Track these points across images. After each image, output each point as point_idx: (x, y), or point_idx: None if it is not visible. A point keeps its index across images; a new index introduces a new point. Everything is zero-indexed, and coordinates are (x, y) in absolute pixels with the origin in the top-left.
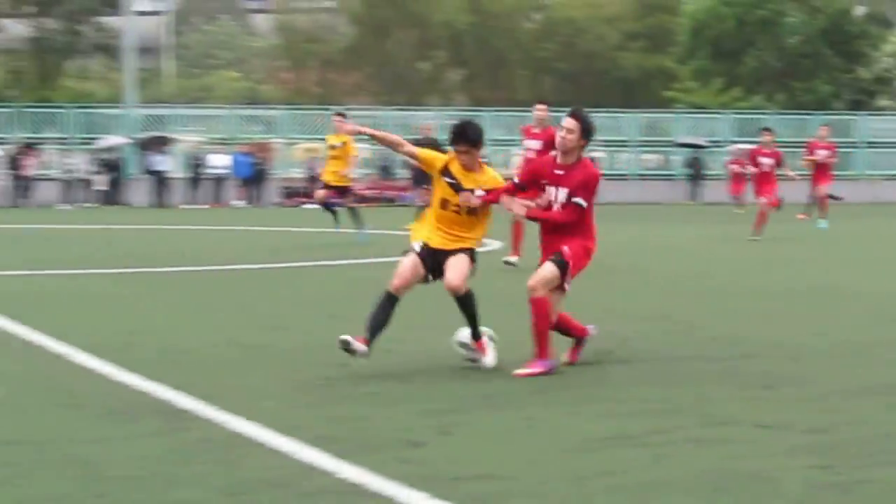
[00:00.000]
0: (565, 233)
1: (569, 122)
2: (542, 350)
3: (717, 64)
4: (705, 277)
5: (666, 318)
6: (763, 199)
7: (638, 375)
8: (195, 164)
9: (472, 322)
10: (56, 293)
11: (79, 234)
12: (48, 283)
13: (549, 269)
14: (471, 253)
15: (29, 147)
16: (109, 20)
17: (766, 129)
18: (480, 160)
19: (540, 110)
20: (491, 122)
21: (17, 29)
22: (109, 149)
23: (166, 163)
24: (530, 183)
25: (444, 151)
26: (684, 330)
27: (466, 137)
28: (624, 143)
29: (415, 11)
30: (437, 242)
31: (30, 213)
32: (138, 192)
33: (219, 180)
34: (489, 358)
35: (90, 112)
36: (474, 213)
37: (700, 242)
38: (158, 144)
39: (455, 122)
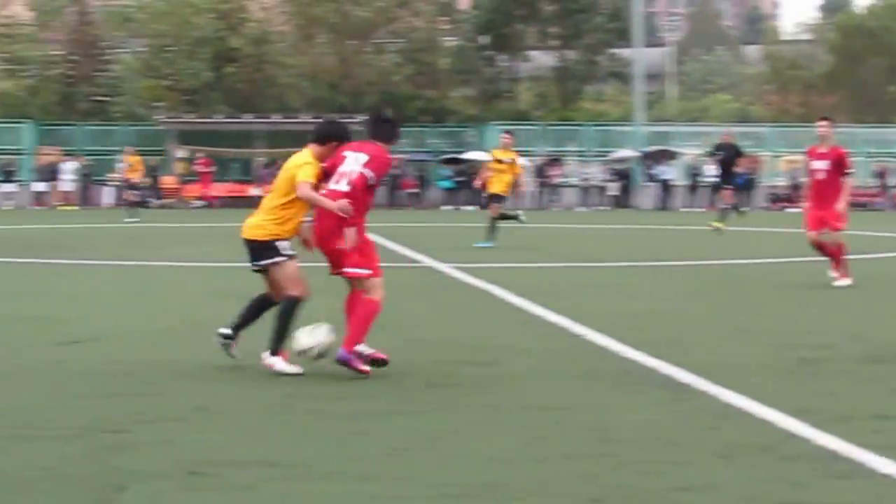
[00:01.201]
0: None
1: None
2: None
3: None
4: None
5: None
6: None
7: None
8: (693, 174)
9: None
10: (575, 283)
11: (594, 233)
12: (568, 274)
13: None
14: None
15: (553, 159)
16: (622, 51)
17: None
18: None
19: (822, 127)
20: None
21: (544, 59)
22: (621, 160)
23: (669, 172)
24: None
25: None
26: None
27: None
28: None
29: (886, 41)
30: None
31: (554, 215)
32: (645, 197)
33: (713, 187)
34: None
35: (604, 129)
36: None
37: None
38: (663, 157)
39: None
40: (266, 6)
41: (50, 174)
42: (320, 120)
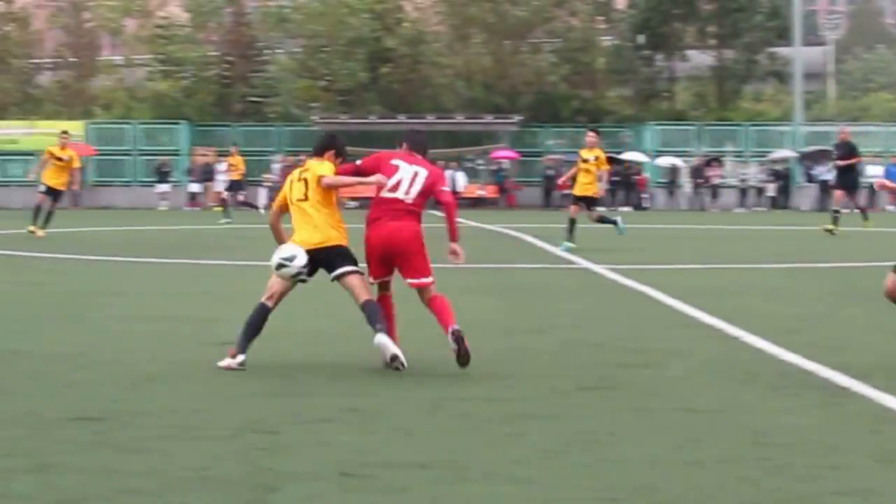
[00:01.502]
0: None
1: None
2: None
3: None
4: None
5: None
6: None
7: None
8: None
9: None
10: (731, 285)
11: (751, 234)
12: (726, 276)
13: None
14: None
15: (713, 159)
16: (781, 50)
17: None
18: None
19: None
20: None
21: (702, 58)
22: (779, 161)
23: (829, 173)
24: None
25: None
26: None
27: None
28: None
29: None
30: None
31: (712, 216)
32: (803, 198)
33: (872, 189)
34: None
35: (763, 129)
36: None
37: None
38: (822, 157)
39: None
40: (421, 6)
41: (205, 175)
42: (474, 120)
